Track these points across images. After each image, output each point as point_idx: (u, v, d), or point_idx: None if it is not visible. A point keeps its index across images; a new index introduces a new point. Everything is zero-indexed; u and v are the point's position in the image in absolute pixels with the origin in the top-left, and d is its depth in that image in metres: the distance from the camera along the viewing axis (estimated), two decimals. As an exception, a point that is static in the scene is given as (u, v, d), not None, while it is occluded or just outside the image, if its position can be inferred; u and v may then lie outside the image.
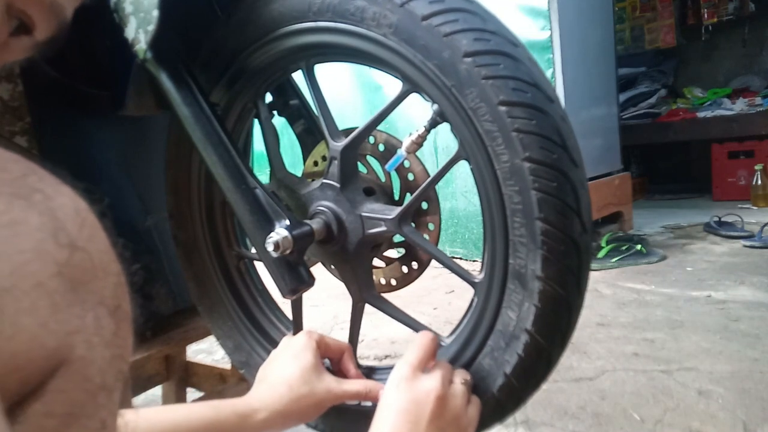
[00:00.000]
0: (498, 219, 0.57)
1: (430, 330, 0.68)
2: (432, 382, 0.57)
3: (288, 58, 0.71)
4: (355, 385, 0.66)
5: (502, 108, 0.53)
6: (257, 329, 0.85)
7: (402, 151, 0.66)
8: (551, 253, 0.54)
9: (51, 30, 0.36)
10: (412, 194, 0.69)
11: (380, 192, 0.73)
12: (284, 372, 0.64)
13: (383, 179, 0.75)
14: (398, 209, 0.65)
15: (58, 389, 0.24)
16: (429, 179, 0.65)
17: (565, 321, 0.58)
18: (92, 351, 0.25)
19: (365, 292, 0.72)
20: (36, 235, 0.24)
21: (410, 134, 0.64)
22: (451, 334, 0.67)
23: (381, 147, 0.72)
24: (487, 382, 0.61)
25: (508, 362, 0.59)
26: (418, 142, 0.64)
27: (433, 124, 0.62)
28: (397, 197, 0.74)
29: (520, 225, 0.55)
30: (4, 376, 0.22)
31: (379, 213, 0.67)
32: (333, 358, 0.71)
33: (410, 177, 0.71)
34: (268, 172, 0.84)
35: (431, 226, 0.70)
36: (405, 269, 0.74)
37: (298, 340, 0.68)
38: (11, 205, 0.24)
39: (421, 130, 0.63)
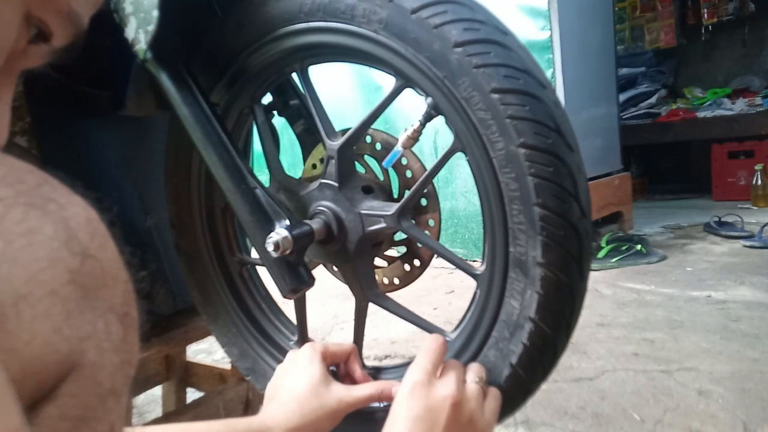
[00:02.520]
0: (496, 207, 0.57)
1: (438, 330, 0.68)
2: (447, 387, 0.55)
3: (282, 60, 0.71)
4: (366, 389, 0.65)
5: (495, 95, 0.53)
6: (262, 335, 0.85)
7: (399, 147, 0.66)
8: (551, 239, 0.54)
9: (68, 37, 0.37)
10: (410, 190, 0.69)
11: (379, 190, 0.73)
12: (293, 388, 0.63)
13: (382, 178, 0.75)
14: (397, 205, 0.65)
15: (70, 393, 0.25)
16: (427, 172, 0.65)
17: (569, 307, 0.57)
18: (102, 356, 0.26)
19: (368, 291, 0.72)
20: (50, 244, 0.25)
21: (405, 129, 0.64)
22: (456, 328, 0.67)
23: (378, 146, 0.73)
24: (493, 374, 0.61)
25: (513, 352, 0.59)
26: (414, 137, 0.64)
27: (428, 117, 0.62)
28: (396, 195, 0.74)
29: (518, 212, 0.55)
30: (22, 380, 0.23)
31: (378, 210, 0.67)
32: (340, 363, 0.71)
33: (408, 174, 0.71)
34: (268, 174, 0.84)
35: (431, 223, 0.70)
36: (407, 267, 0.74)
37: (302, 353, 0.67)
38: (27, 215, 0.24)
39: (417, 124, 0.63)
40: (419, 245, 0.72)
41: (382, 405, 0.68)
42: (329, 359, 0.68)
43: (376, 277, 0.75)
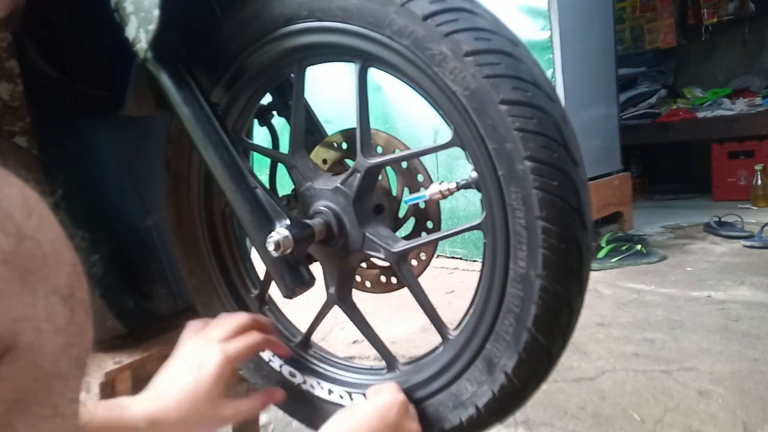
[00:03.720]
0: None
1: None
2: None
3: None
4: (245, 404, 0.68)
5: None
6: None
7: (426, 194, 0.65)
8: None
9: (5, 11, 0.36)
10: (416, 217, 0.71)
11: (388, 211, 0.72)
12: (178, 384, 0.63)
13: (392, 184, 0.74)
14: (402, 244, 0.65)
15: (3, 376, 0.24)
16: (439, 235, 0.67)
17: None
18: (42, 338, 0.25)
19: (340, 296, 0.73)
20: None
21: (441, 182, 0.64)
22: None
23: (404, 163, 0.72)
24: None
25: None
26: (444, 195, 0.64)
27: (466, 186, 0.61)
28: (402, 215, 0.74)
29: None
30: None
31: (383, 241, 0.66)
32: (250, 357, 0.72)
33: (422, 205, 0.71)
34: (268, 173, 0.84)
35: (423, 256, 0.71)
36: (383, 279, 0.75)
37: (207, 353, 0.66)
38: None
39: (453, 186, 0.63)
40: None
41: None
42: (235, 361, 0.67)
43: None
